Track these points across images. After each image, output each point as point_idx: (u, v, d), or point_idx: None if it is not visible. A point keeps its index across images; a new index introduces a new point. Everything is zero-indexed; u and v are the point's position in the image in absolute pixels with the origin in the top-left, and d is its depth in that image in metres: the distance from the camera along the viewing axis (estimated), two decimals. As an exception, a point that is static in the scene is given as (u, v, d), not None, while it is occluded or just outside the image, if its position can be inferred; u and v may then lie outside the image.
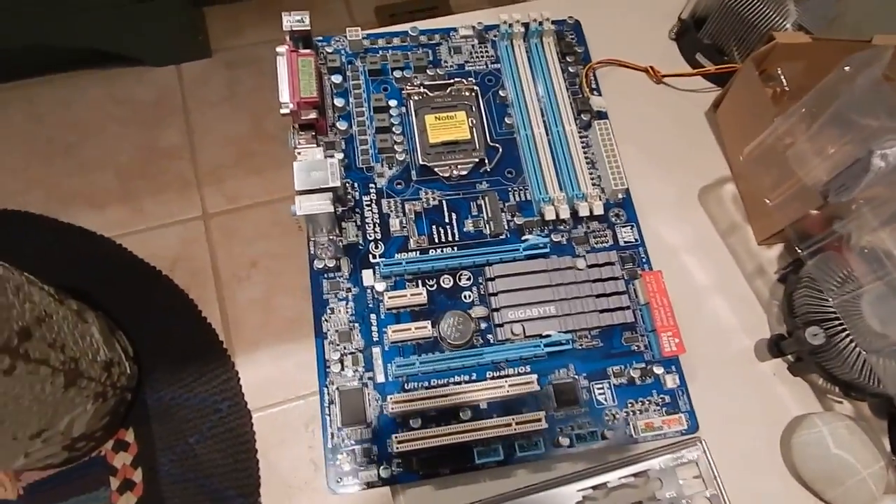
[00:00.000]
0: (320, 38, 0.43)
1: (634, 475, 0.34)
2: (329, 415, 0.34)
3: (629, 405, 0.35)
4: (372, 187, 0.39)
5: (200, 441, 0.87)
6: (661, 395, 0.35)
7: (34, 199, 0.98)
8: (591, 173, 0.40)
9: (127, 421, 0.86)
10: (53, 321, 0.69)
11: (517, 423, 0.32)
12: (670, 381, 0.36)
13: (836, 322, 0.34)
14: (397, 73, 0.42)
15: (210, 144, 1.05)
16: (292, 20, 0.39)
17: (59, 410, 0.71)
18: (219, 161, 1.04)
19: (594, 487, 0.34)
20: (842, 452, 0.33)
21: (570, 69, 0.44)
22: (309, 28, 0.40)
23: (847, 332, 0.33)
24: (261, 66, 1.11)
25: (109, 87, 1.07)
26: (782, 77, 0.38)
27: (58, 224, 0.97)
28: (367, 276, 0.37)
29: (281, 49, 0.39)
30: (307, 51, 0.39)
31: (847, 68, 0.28)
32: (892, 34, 0.37)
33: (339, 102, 0.41)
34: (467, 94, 0.42)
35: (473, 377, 0.35)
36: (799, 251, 0.35)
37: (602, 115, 0.42)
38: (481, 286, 0.37)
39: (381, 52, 0.43)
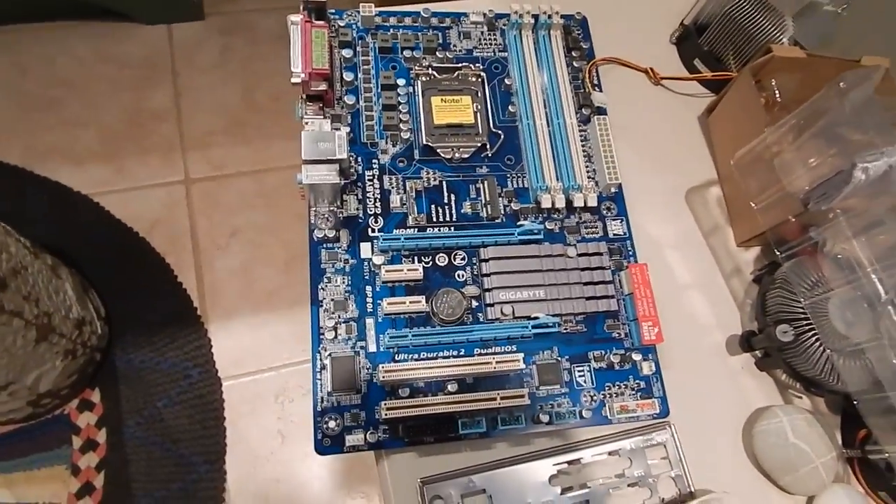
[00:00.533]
0: (332, 11, 0.43)
1: (607, 453, 0.36)
2: (320, 380, 0.35)
3: (607, 388, 0.37)
4: (375, 163, 0.40)
5: (168, 406, 0.86)
6: (637, 381, 0.37)
7: (11, 149, 0.95)
8: (587, 166, 0.42)
9: (94, 381, 0.85)
10: (28, 274, 0.68)
11: (502, 398, 0.34)
12: (647, 368, 0.38)
13: (805, 322, 0.36)
14: (407, 53, 0.43)
15: (198, 110, 1.03)
16: (308, -10, 0.40)
17: (27, 364, 0.70)
18: (205, 127, 1.02)
19: (569, 462, 0.36)
20: (799, 442, 0.36)
21: (575, 64, 0.45)
22: (325, -1, 0.40)
23: (814, 331, 0.36)
24: (255, 35, 1.09)
25: (97, 43, 1.04)
26: (776, 88, 0.40)
27: (34, 177, 0.95)
28: (365, 249, 0.38)
29: (295, 18, 0.39)
30: (321, 22, 0.40)
31: (842, 84, 0.30)
32: (880, 56, 0.39)
33: (348, 77, 0.42)
34: (474, 79, 0.43)
35: (462, 353, 0.36)
36: (777, 253, 0.37)
37: (602, 111, 0.44)
38: (475, 266, 0.38)
39: (391, 30, 0.44)
